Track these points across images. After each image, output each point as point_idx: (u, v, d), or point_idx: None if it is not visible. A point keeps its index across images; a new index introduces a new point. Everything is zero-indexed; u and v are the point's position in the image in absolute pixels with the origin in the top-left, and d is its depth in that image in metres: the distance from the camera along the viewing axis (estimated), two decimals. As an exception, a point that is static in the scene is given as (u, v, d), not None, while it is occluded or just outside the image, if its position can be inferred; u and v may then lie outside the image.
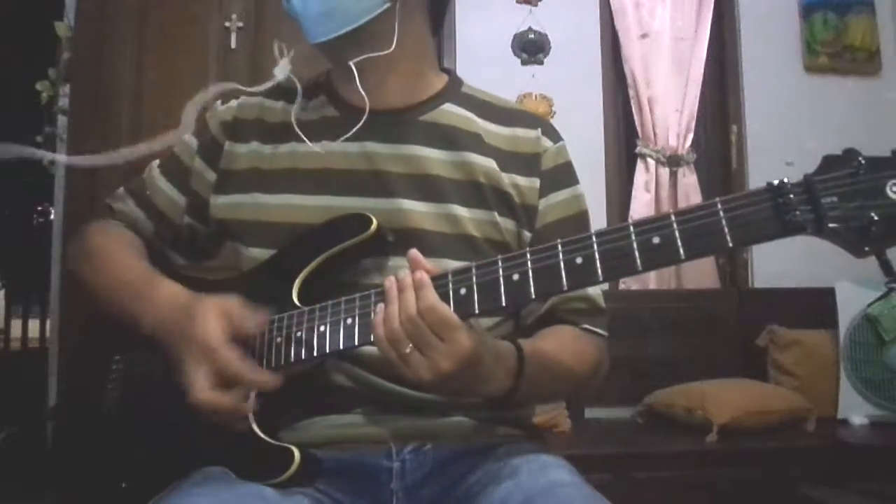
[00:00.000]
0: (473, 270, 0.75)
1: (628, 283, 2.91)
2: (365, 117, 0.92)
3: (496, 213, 0.94)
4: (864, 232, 0.62)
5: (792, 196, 0.64)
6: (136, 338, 0.88)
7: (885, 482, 1.93)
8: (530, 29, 2.99)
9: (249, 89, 0.97)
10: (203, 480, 0.80)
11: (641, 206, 2.98)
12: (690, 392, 2.38)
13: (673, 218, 0.68)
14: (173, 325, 0.84)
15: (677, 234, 0.67)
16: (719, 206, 0.66)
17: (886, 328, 2.54)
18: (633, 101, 3.05)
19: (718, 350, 2.74)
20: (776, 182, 0.65)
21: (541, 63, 2.98)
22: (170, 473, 0.85)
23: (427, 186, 0.93)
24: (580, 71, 3.00)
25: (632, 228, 0.69)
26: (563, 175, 0.99)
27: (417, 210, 0.92)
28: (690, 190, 3.00)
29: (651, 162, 3.02)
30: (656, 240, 0.68)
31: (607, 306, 0.99)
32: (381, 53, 0.91)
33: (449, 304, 0.74)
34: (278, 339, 0.85)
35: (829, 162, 0.65)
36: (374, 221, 0.88)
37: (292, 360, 0.83)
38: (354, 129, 0.92)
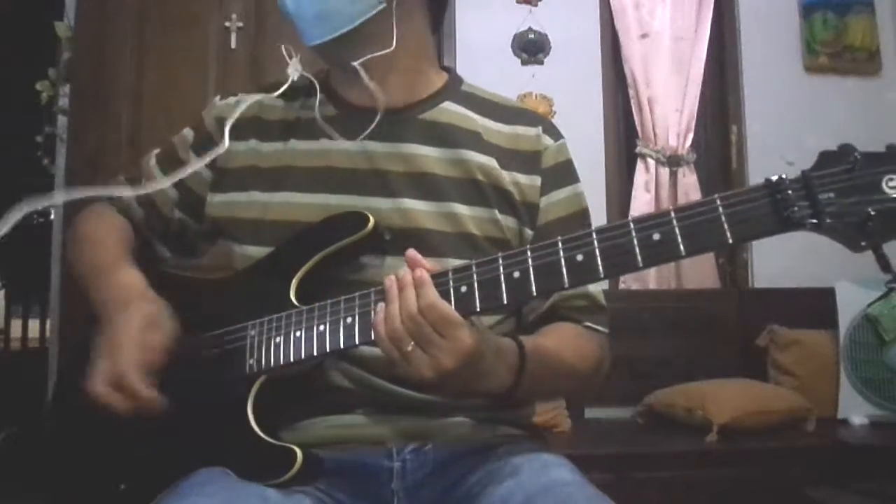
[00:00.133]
0: (474, 268, 0.75)
1: (628, 283, 2.91)
2: (378, 117, 0.92)
3: (497, 211, 0.93)
4: (861, 227, 0.63)
5: (790, 192, 0.64)
6: None
7: (885, 482, 1.92)
8: (530, 29, 2.99)
9: (272, 94, 0.97)
10: (204, 481, 0.80)
11: (641, 205, 2.98)
12: (690, 392, 2.38)
13: (673, 214, 0.68)
14: (112, 310, 0.87)
15: (677, 230, 0.68)
16: (718, 202, 0.67)
17: (886, 328, 2.54)
18: (633, 101, 3.05)
19: (718, 350, 2.73)
20: (774, 178, 0.65)
21: (541, 63, 2.98)
22: (170, 474, 0.84)
23: (426, 185, 0.93)
24: (580, 71, 2.99)
25: (632, 225, 0.70)
26: (564, 173, 0.99)
27: (418, 209, 0.92)
28: (690, 190, 3.00)
29: (651, 162, 3.02)
30: (657, 236, 0.68)
31: (607, 306, 0.99)
32: (381, 53, 0.91)
33: (450, 301, 0.74)
34: (277, 339, 0.84)
35: (825, 158, 0.65)
36: (372, 219, 0.87)
37: (292, 359, 0.83)
38: (370, 128, 0.92)
